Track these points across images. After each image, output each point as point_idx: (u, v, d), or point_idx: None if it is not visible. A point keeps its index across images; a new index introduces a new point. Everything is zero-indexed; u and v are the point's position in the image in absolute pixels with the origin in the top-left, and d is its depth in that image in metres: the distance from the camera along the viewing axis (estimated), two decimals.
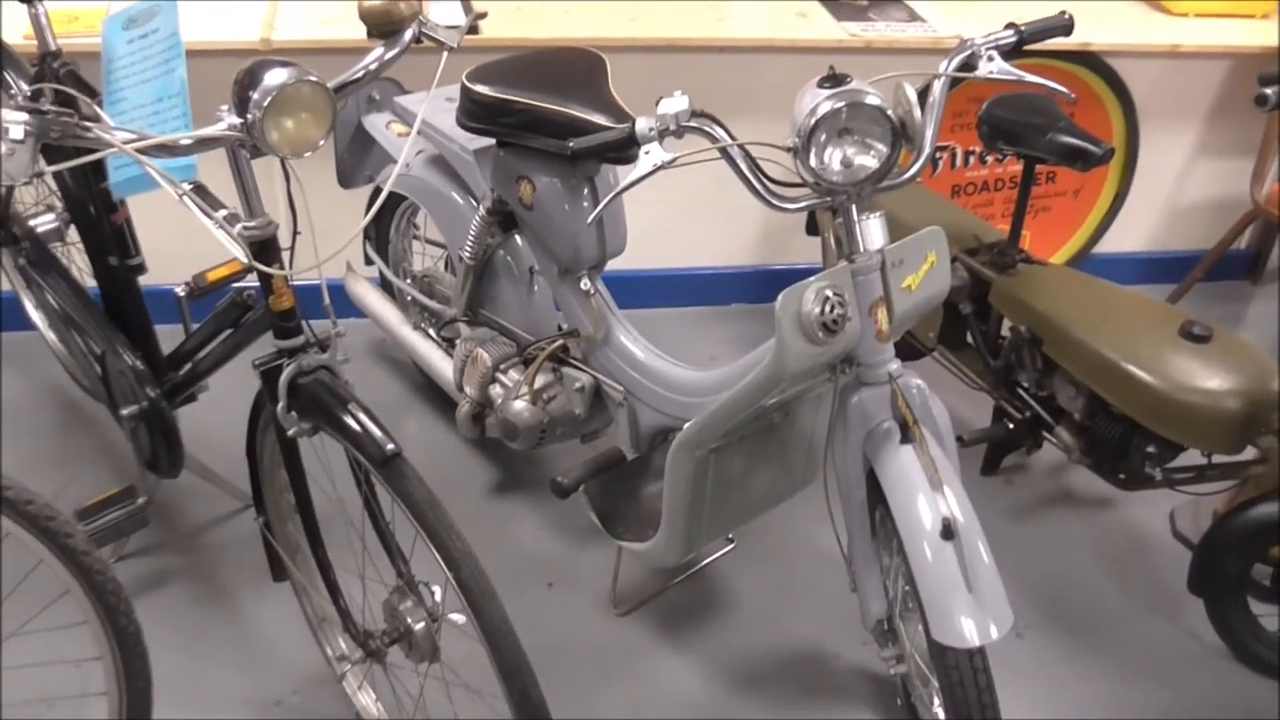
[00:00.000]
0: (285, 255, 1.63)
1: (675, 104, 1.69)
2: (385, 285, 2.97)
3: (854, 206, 1.75)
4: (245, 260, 1.56)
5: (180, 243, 2.42)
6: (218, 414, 2.43)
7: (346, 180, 2.78)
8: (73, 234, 2.49)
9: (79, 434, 2.86)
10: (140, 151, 1.40)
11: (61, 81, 2.15)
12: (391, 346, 3.17)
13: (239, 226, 1.60)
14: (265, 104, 1.39)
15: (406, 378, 3.13)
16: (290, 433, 1.71)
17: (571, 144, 1.78)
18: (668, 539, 2.15)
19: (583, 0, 3.21)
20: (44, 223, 2.50)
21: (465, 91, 2.26)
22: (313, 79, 1.42)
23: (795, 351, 1.71)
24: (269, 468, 1.97)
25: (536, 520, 2.68)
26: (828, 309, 1.69)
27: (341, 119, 2.65)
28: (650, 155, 1.69)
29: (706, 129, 1.71)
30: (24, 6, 2.27)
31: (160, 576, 2.47)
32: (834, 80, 1.69)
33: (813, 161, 1.68)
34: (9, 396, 2.97)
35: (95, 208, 2.26)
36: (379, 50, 1.63)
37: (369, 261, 2.92)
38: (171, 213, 2.24)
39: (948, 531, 1.68)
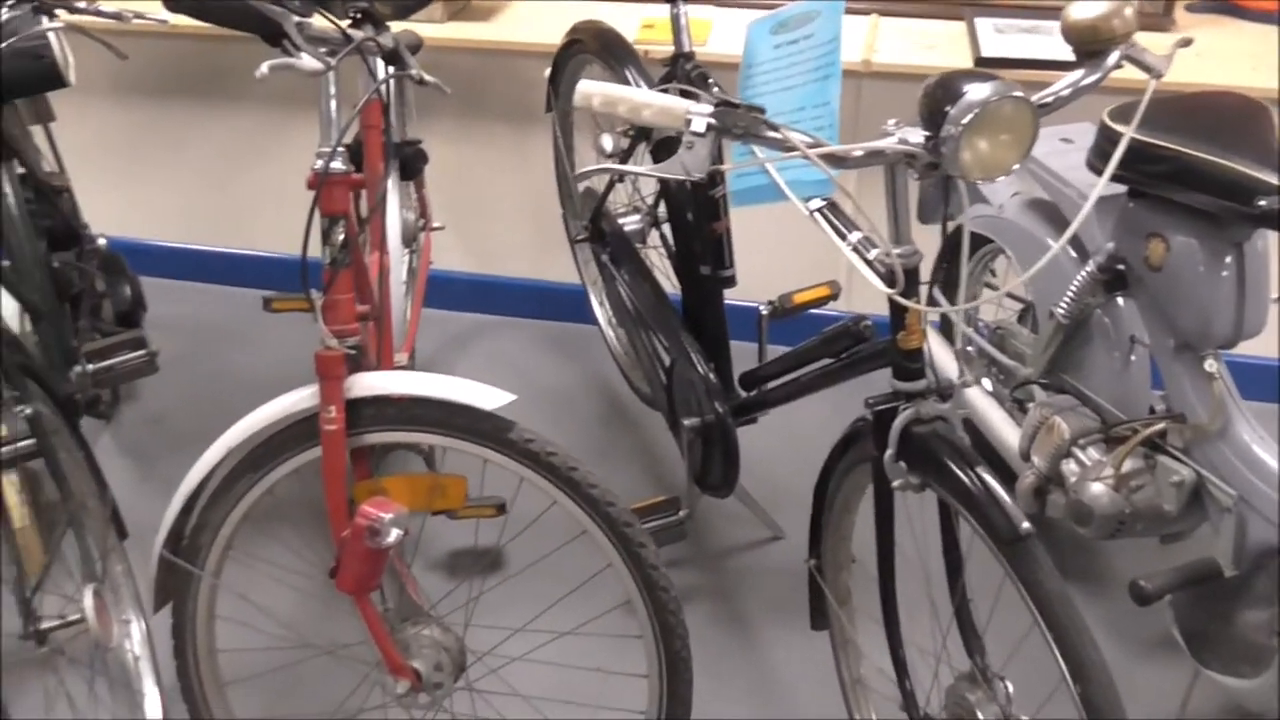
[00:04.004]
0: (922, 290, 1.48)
1: None
2: (944, 329, 2.77)
3: None
4: (885, 289, 1.42)
5: (765, 259, 2.36)
6: (769, 440, 2.35)
7: (928, 214, 2.61)
8: (653, 237, 2.51)
9: (620, 433, 2.90)
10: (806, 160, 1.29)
11: (692, 83, 2.14)
12: None
13: (876, 253, 1.48)
14: (965, 120, 1.24)
15: None
16: (895, 484, 1.56)
17: (1262, 202, 1.51)
18: (1276, 685, 1.79)
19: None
20: (631, 223, 2.54)
21: (1104, 131, 2.02)
22: (1018, 94, 1.25)
23: None
24: (838, 511, 1.83)
25: (1092, 616, 2.37)
26: None
27: None
28: None
29: None
30: (644, 7, 2.30)
31: (684, 592, 2.41)
32: None
33: None
34: (565, 385, 3.08)
35: (695, 214, 2.23)
36: (1076, 74, 1.43)
37: (932, 302, 2.74)
38: (762, 227, 2.17)
39: None
